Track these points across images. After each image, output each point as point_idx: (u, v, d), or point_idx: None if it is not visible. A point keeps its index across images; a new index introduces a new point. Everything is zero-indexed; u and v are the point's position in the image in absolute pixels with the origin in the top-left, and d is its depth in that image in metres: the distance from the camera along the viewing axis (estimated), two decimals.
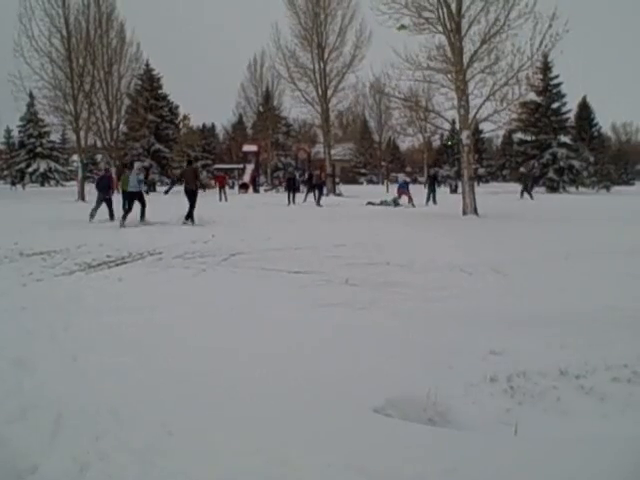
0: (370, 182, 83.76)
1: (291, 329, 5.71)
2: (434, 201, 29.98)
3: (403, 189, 30.41)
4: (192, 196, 18.60)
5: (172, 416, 3.65)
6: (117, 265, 9.98)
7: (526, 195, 35.30)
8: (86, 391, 4.08)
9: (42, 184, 66.53)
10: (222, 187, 37.12)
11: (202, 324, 5.92)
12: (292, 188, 31.45)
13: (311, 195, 31.62)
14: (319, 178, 32.38)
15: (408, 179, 33.78)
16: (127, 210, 18.19)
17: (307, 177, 35.13)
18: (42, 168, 66.08)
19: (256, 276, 8.89)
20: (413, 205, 28.56)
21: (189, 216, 18.19)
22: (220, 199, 34.63)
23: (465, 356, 4.78)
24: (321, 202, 29.98)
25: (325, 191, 35.38)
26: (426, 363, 4.63)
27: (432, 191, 30.92)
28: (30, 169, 65.97)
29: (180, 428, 3.49)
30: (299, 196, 32.67)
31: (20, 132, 69.18)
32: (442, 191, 48.61)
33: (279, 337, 5.43)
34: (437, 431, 3.53)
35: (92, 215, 18.99)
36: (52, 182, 66.99)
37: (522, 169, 40.49)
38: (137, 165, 20.55)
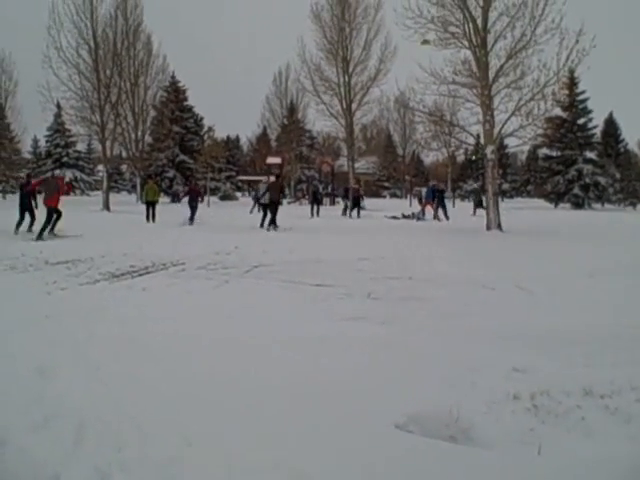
0: (394, 196, 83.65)
1: (311, 343, 5.69)
2: (446, 217, 29.02)
3: (429, 199, 30.06)
4: (276, 206, 21.83)
5: (193, 428, 3.65)
6: (140, 275, 10.03)
7: (478, 210, 33.07)
8: (108, 401, 4.09)
9: (67, 193, 67.13)
10: None
11: (224, 336, 5.92)
12: (316, 201, 31.70)
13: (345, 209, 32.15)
14: (357, 192, 33.00)
15: (437, 185, 32.89)
16: (263, 217, 22.01)
17: (344, 191, 35.47)
18: (68, 177, 66.58)
19: (278, 288, 8.89)
20: (438, 219, 28.33)
21: (272, 222, 21.35)
22: (251, 212, 34.41)
23: (488, 373, 4.73)
24: (355, 215, 31.06)
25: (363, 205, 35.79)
26: (448, 379, 4.59)
27: (442, 206, 29.85)
28: None
29: (200, 440, 3.49)
30: (322, 209, 32.82)
31: (47, 142, 69.93)
32: (467, 206, 48.42)
33: (299, 351, 5.41)
34: (459, 449, 3.50)
35: (192, 220, 23.90)
36: (77, 191, 67.58)
37: (475, 185, 39.19)
38: (264, 180, 24.65)
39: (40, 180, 21.56)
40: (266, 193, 22.30)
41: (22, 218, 18.47)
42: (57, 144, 68.13)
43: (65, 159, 67.65)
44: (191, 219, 24.03)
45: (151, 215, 24.83)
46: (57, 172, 20.66)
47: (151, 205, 24.99)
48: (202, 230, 20.51)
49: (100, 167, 52.82)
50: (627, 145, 74.50)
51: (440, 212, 29.21)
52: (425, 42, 21.50)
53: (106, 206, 34.23)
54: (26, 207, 18.57)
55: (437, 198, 30.02)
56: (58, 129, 65.92)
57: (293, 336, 5.94)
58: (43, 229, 16.97)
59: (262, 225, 21.76)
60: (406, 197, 65.94)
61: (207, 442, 3.48)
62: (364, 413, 3.90)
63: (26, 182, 19.71)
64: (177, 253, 12.89)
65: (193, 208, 24.51)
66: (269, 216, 21.71)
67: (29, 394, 4.22)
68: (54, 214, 17.61)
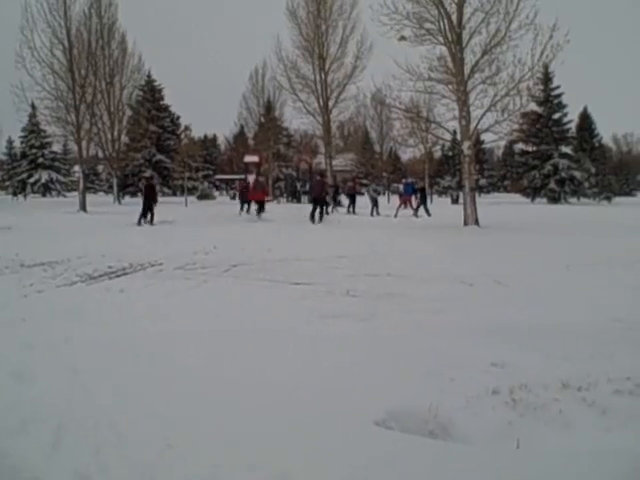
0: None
1: (291, 341, 5.70)
2: (427, 213, 29.00)
3: (408, 195, 30.19)
4: (319, 202, 24.66)
5: (172, 429, 3.64)
6: (118, 276, 9.97)
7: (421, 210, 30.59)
8: (86, 404, 4.07)
9: (43, 195, 66.52)
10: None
11: (202, 336, 5.91)
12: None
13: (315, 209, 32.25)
14: (353, 189, 33.77)
15: (414, 182, 33.30)
16: (312, 212, 24.46)
17: (334, 189, 35.40)
18: (43, 179, 66.02)
19: (257, 287, 8.88)
20: (416, 215, 28.36)
21: (321, 216, 24.53)
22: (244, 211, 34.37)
23: (466, 368, 4.76)
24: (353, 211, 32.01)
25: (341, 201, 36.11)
26: (427, 375, 4.61)
27: (424, 203, 29.90)
28: (31, 180, 65.93)
29: (180, 441, 3.48)
30: (301, 207, 32.81)
31: (22, 143, 69.15)
32: (444, 202, 48.64)
33: (278, 350, 5.42)
34: (439, 444, 3.52)
35: (241, 212, 29.92)
36: (53, 193, 67.01)
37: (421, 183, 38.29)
38: (315, 179, 27.33)
39: (249, 184, 31.81)
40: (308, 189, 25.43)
41: (145, 212, 23.58)
42: (32, 145, 67.38)
43: (40, 160, 66.93)
44: (255, 212, 27.93)
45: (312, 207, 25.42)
46: (261, 178, 33.52)
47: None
48: (184, 228, 20.47)
49: (76, 168, 52.29)
50: (602, 139, 75.10)
51: (421, 208, 29.25)
52: (402, 38, 21.52)
53: (83, 207, 33.92)
54: (149, 204, 23.74)
55: (420, 195, 30.11)
56: (33, 130, 65.20)
57: (272, 335, 5.95)
58: (258, 212, 26.97)
59: (312, 218, 24.13)
60: (384, 194, 65.97)
61: (188, 443, 3.47)
62: (344, 410, 3.91)
63: (147, 185, 25.23)
64: (155, 253, 12.81)
65: (247, 202, 29.90)
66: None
67: (6, 398, 4.19)
68: (260, 204, 27.20)
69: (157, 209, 24.12)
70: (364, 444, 3.44)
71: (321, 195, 25.12)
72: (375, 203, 30.48)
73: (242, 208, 30.55)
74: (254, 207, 28.68)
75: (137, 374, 4.68)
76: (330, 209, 32.01)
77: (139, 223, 23.07)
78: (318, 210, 24.62)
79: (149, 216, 23.68)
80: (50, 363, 4.99)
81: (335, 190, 35.16)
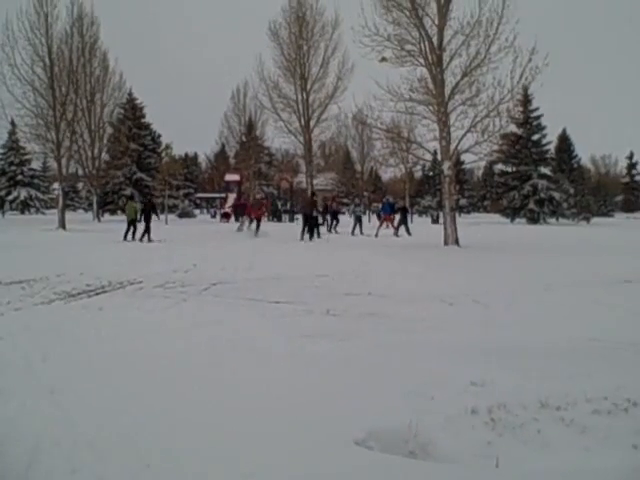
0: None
1: (269, 361, 5.67)
2: (408, 232, 29.11)
3: (387, 213, 30.30)
4: (309, 219, 25.65)
5: (150, 449, 3.60)
6: (97, 294, 9.89)
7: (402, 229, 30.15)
8: (63, 423, 4.01)
9: (22, 212, 66.11)
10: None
11: (181, 354, 5.87)
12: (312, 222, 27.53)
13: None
14: (331, 207, 33.95)
15: (392, 200, 33.66)
16: (303, 230, 25.43)
17: (323, 208, 34.74)
18: (22, 196, 65.65)
19: (236, 306, 8.84)
20: (397, 235, 28.43)
21: (311, 234, 25.32)
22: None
23: (446, 387, 4.76)
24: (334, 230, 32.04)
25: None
26: (407, 394, 4.60)
27: (404, 223, 30.02)
28: (10, 197, 65.55)
29: (158, 461, 3.44)
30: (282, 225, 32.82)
31: (1, 160, 68.81)
32: (425, 221, 48.82)
33: (257, 368, 5.39)
34: (418, 464, 3.51)
35: (240, 229, 32.05)
36: (32, 210, 66.61)
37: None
38: (302, 198, 28.85)
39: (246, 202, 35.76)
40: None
41: (148, 230, 24.53)
42: (11, 162, 67.09)
43: (20, 177, 66.62)
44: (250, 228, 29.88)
45: (131, 233, 24.96)
46: (259, 195, 36.30)
47: (132, 224, 25.16)
48: (165, 246, 20.41)
49: (55, 185, 51.94)
50: (580, 160, 76.11)
51: (402, 228, 29.32)
52: (383, 59, 21.69)
53: (62, 225, 33.68)
54: (149, 221, 25.05)
55: (400, 215, 30.20)
56: (12, 147, 64.99)
57: (251, 354, 5.91)
58: (256, 229, 28.62)
59: (302, 236, 24.97)
60: (364, 213, 66.14)
61: (165, 463, 3.43)
62: (325, 431, 3.89)
63: (149, 202, 27.48)
64: (135, 271, 12.74)
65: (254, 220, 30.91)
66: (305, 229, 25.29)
67: None
68: (258, 222, 28.95)
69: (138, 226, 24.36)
70: (344, 464, 3.42)
71: (312, 214, 25.95)
72: (359, 221, 30.48)
73: (241, 225, 32.87)
74: (247, 224, 30.61)
75: (115, 393, 4.63)
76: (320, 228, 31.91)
77: (149, 240, 24.19)
78: (308, 229, 25.27)
79: (138, 234, 24.48)
80: (27, 382, 4.93)
81: (324, 209, 34.89)
